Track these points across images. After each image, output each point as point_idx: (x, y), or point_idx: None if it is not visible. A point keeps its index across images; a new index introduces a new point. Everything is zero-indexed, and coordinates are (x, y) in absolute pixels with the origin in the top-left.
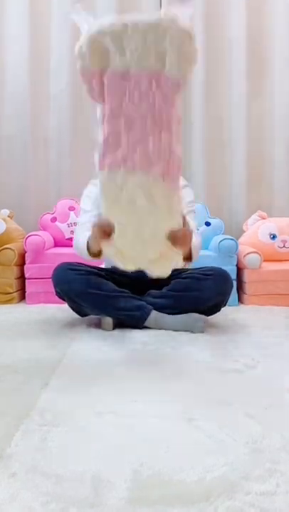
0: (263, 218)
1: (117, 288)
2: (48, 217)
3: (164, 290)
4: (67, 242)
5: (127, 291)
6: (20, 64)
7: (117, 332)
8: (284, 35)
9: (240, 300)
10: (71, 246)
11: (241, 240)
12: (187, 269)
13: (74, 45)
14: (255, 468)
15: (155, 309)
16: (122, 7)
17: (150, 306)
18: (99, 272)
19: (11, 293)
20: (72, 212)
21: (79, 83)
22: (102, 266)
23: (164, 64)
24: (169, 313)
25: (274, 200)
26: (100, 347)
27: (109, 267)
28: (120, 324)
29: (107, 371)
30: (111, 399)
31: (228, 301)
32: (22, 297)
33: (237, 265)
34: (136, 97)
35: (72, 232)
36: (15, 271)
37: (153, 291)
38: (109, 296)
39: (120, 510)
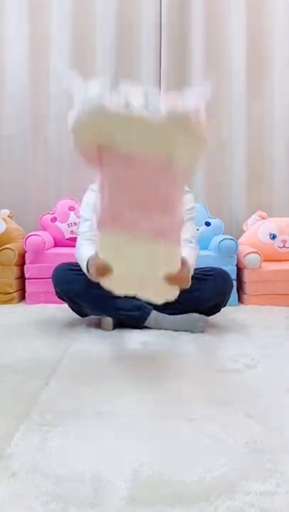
0: (263, 218)
1: None
2: (48, 217)
3: None
4: (68, 242)
5: None
6: (21, 64)
7: (117, 332)
8: (284, 35)
9: (240, 300)
10: (71, 246)
11: (241, 240)
12: None
13: (74, 45)
14: (255, 468)
15: (155, 309)
16: (122, 7)
17: (150, 306)
18: None
19: (11, 293)
20: (72, 212)
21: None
22: None
23: (172, 152)
24: (169, 314)
25: (274, 200)
26: (100, 347)
27: None
28: (120, 324)
29: (107, 371)
30: (111, 399)
31: (228, 301)
32: (22, 297)
33: (237, 265)
34: (139, 180)
35: (72, 232)
36: (15, 271)
37: None
38: (109, 297)
39: (120, 510)
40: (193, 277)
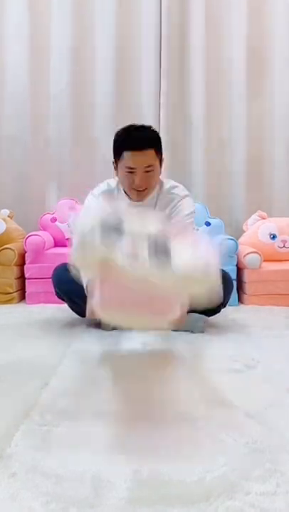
0: (263, 218)
1: None
2: (48, 217)
3: None
4: (68, 242)
5: None
6: (21, 64)
7: (116, 332)
8: (284, 35)
9: (240, 300)
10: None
11: (241, 240)
12: None
13: (74, 45)
14: (255, 468)
15: None
16: (122, 7)
17: None
18: None
19: (11, 293)
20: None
21: (79, 83)
22: None
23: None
24: None
25: (274, 200)
26: (100, 347)
27: None
28: None
29: (107, 371)
30: (111, 399)
31: (228, 301)
32: (22, 297)
33: (237, 265)
34: (139, 298)
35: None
36: (15, 271)
37: None
38: None
39: (120, 510)
40: None
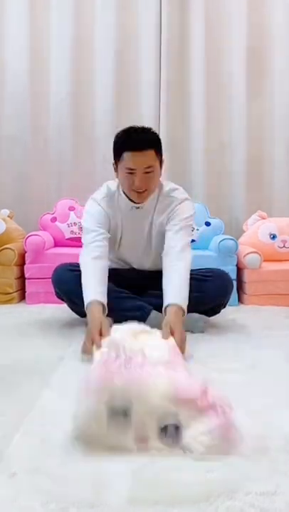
0: (263, 218)
1: (116, 288)
2: (48, 217)
3: None
4: (68, 242)
5: (126, 291)
6: (21, 64)
7: None
8: (284, 35)
9: (240, 300)
10: (71, 246)
11: (241, 240)
12: None
13: (74, 44)
14: (255, 468)
15: (155, 309)
16: (121, 8)
17: (150, 306)
18: None
19: (10, 293)
20: (72, 212)
21: (78, 82)
22: None
23: None
24: None
25: (274, 200)
26: None
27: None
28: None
29: None
30: None
31: (228, 301)
32: (22, 297)
33: (237, 265)
34: None
35: (72, 232)
36: (15, 271)
37: (153, 291)
38: (108, 297)
39: (120, 510)
40: (192, 278)
